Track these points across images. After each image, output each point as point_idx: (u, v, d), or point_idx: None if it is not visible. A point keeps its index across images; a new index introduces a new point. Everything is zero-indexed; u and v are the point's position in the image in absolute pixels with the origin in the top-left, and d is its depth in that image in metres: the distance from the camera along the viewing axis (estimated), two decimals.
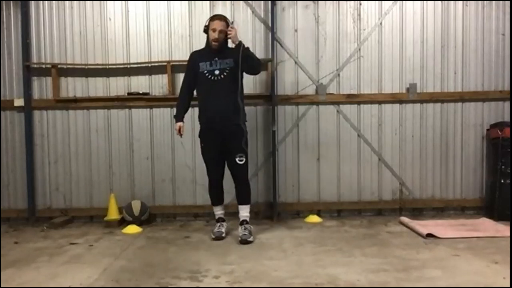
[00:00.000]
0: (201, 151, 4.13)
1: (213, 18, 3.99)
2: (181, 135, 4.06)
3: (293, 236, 4.13)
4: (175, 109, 4.42)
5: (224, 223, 4.19)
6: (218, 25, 3.91)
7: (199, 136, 4.11)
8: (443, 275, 3.01)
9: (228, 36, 3.86)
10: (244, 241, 3.87)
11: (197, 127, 4.21)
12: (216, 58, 3.95)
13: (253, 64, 3.95)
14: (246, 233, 3.93)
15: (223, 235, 4.07)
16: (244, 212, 4.06)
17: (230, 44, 4.04)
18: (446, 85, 4.97)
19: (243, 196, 4.08)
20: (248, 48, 3.91)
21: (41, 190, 4.96)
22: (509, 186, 4.60)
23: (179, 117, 4.08)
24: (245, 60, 3.86)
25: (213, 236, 4.06)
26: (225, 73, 3.94)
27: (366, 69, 4.95)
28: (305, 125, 4.96)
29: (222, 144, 3.96)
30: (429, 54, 4.95)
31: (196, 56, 4.08)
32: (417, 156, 4.99)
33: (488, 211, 4.78)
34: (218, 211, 4.20)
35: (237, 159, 3.93)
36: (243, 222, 4.02)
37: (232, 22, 3.98)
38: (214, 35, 3.91)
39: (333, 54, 4.95)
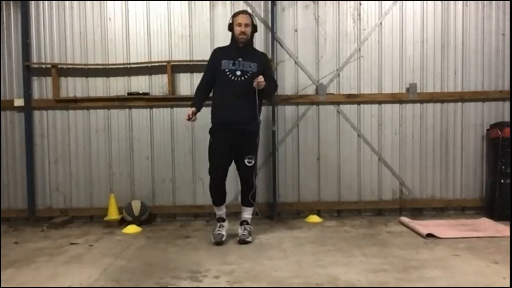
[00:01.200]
0: (209, 146, 3.98)
1: (237, 13, 3.96)
2: (189, 119, 3.83)
3: (293, 236, 4.13)
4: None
5: (225, 223, 4.07)
6: (243, 19, 3.86)
7: (210, 132, 3.98)
8: (443, 275, 3.01)
9: (259, 86, 3.74)
10: (242, 241, 3.85)
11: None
12: (240, 59, 3.87)
13: (269, 95, 4.15)
14: (245, 233, 3.91)
15: (224, 238, 3.92)
16: (247, 213, 4.03)
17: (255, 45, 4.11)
18: (446, 85, 4.97)
19: (247, 198, 4.00)
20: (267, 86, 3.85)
21: (41, 190, 4.96)
22: (509, 186, 4.60)
23: (195, 104, 3.89)
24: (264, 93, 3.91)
25: (213, 241, 3.89)
26: (246, 76, 3.85)
27: (366, 69, 4.95)
28: (305, 125, 4.96)
29: (233, 144, 3.87)
30: (429, 54, 4.95)
31: (219, 53, 4.00)
32: (417, 156, 4.99)
33: (488, 211, 4.78)
34: (219, 211, 4.08)
35: (246, 161, 3.87)
36: (243, 223, 4.00)
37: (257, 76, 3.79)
38: (240, 29, 3.85)
39: (333, 54, 4.95)
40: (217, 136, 3.92)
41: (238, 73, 3.85)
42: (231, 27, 3.94)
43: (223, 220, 4.08)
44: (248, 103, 3.82)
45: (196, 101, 3.94)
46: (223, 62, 3.88)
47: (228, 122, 3.84)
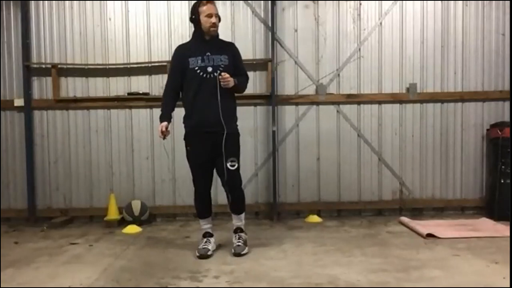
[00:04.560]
0: (187, 156, 3.62)
1: (202, 2, 3.47)
2: (164, 137, 3.48)
3: (293, 236, 4.13)
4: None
5: (212, 239, 3.67)
6: (212, 9, 3.46)
7: (184, 139, 3.62)
8: (443, 275, 3.01)
9: (226, 84, 3.43)
10: (237, 254, 3.50)
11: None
12: (209, 53, 3.47)
13: (241, 90, 3.68)
14: (240, 244, 3.56)
15: (209, 252, 3.54)
16: (238, 221, 3.66)
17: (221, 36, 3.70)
18: (446, 85, 4.97)
19: (236, 205, 3.61)
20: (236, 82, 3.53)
21: (41, 190, 4.96)
22: (509, 186, 4.60)
23: (165, 117, 3.52)
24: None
25: (197, 254, 3.51)
26: (219, 71, 3.46)
27: (366, 69, 4.95)
28: (305, 125, 4.96)
29: (211, 148, 3.49)
30: (429, 54, 4.95)
31: (183, 51, 3.59)
32: (417, 156, 4.99)
33: (488, 211, 4.78)
34: (205, 225, 3.69)
35: (228, 164, 3.46)
36: (237, 231, 3.64)
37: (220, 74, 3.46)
38: (211, 20, 3.43)
39: (333, 54, 4.95)
40: (194, 143, 3.55)
41: (209, 69, 3.46)
42: (195, 19, 3.49)
43: (211, 236, 3.69)
44: (224, 100, 3.45)
45: (165, 112, 3.55)
46: (191, 60, 3.48)
47: (204, 124, 3.47)
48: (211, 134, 3.47)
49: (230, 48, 3.63)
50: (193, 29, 4.81)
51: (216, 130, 3.45)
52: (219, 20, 3.57)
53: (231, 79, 3.46)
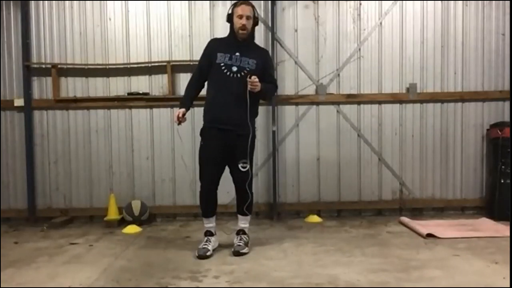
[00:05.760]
0: (199, 150, 3.64)
1: (238, 3, 3.52)
2: (179, 122, 3.52)
3: (293, 236, 4.13)
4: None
5: (212, 238, 3.65)
6: (245, 10, 3.47)
7: (200, 133, 3.66)
8: (443, 275, 3.01)
9: (253, 88, 3.43)
10: (236, 253, 3.52)
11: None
12: (238, 54, 3.51)
13: (268, 97, 3.92)
14: (241, 244, 3.59)
15: (209, 253, 3.52)
16: (243, 222, 3.70)
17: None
18: (446, 85, 4.97)
19: (242, 208, 3.65)
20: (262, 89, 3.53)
21: (41, 190, 4.96)
22: (509, 186, 4.60)
23: (184, 104, 3.59)
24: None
25: (197, 254, 3.50)
26: (243, 73, 3.49)
27: (366, 69, 4.95)
28: (305, 125, 4.96)
29: (225, 147, 3.53)
30: (429, 54, 4.95)
31: (215, 44, 3.65)
32: (417, 156, 4.99)
33: (488, 211, 4.78)
34: (208, 224, 3.67)
35: (240, 166, 3.53)
36: (239, 232, 3.68)
37: (250, 76, 3.45)
38: (241, 21, 3.45)
39: (333, 54, 4.95)
40: (208, 139, 3.57)
41: (234, 69, 3.49)
42: (230, 18, 3.55)
43: (212, 235, 3.66)
44: (243, 103, 3.46)
45: (185, 99, 3.65)
46: (219, 55, 3.51)
47: (219, 122, 3.52)
48: (225, 133, 3.51)
49: (261, 54, 3.66)
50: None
51: (230, 129, 3.51)
52: (257, 23, 3.61)
53: (259, 84, 3.46)
